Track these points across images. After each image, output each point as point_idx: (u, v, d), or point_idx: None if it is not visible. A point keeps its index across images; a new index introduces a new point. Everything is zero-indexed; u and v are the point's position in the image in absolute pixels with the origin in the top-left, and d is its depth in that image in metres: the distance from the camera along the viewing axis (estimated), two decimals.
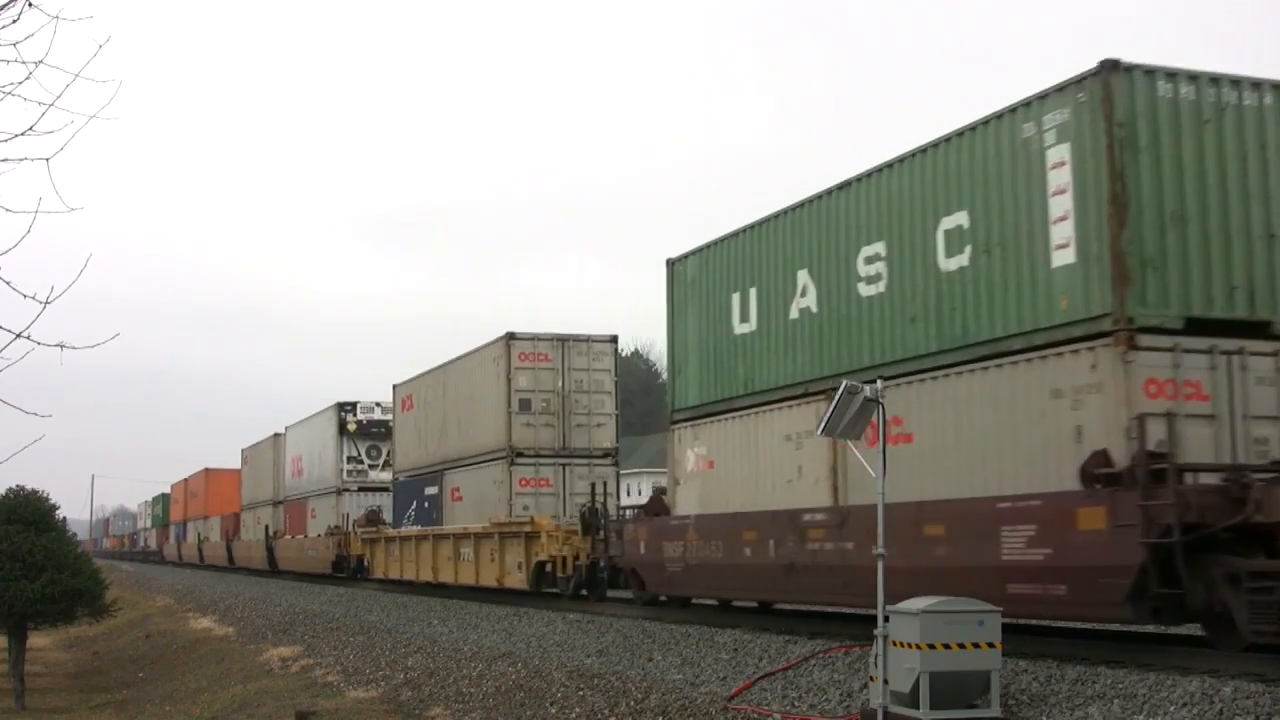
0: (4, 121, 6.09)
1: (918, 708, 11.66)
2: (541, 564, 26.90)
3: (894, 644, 12.04)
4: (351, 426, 45.55)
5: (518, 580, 27.85)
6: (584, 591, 25.76)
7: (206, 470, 73.96)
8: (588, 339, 29.71)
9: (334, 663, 23.29)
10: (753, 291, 19.79)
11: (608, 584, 24.73)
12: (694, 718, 13.95)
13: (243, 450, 64.15)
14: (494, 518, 28.90)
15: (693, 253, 21.64)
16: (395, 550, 36.86)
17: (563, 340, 29.54)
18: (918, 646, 11.70)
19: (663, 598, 22.35)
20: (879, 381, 13.00)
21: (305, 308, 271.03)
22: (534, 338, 29.43)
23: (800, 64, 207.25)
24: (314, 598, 37.65)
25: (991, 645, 11.88)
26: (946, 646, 11.73)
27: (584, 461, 29.38)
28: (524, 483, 29.05)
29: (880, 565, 12.46)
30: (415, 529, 35.21)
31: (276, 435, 56.01)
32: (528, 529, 27.25)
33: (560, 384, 29.36)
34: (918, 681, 11.68)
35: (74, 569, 28.96)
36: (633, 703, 14.99)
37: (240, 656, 27.21)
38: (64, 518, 33.22)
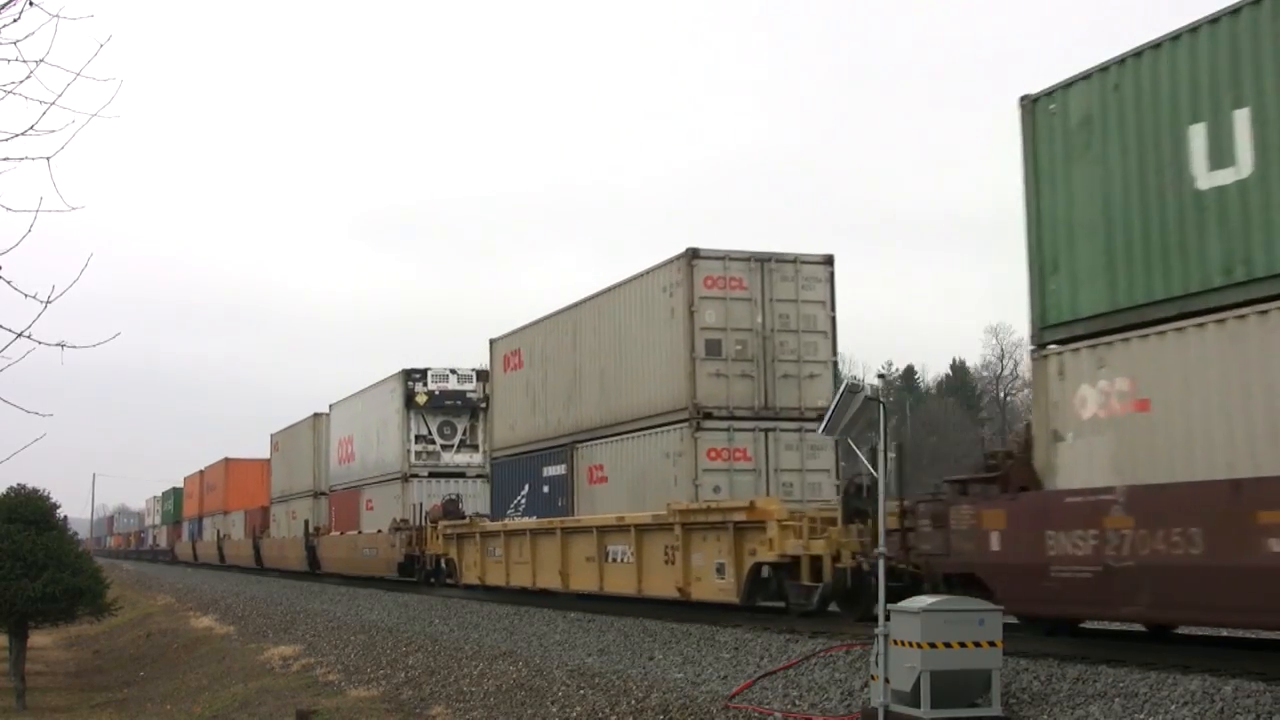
0: (5, 121, 5.87)
1: (919, 706, 11.45)
2: (758, 566, 19.04)
3: (895, 643, 11.85)
4: (421, 399, 37.46)
5: (717, 589, 19.88)
6: (833, 607, 17.94)
7: (227, 460, 65.91)
8: (795, 259, 21.72)
9: (335, 661, 23.05)
10: (1239, 115, 11.94)
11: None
12: (695, 717, 13.70)
13: (272, 435, 56.33)
14: (674, 503, 20.96)
15: (1081, 78, 13.82)
16: (497, 549, 28.79)
17: (762, 261, 21.56)
18: (919, 645, 11.53)
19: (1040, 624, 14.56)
20: (877, 379, 12.83)
21: (305, 307, 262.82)
22: (724, 256, 21.42)
23: (803, 63, 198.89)
24: (315, 597, 36.60)
25: (992, 644, 11.71)
26: (947, 645, 11.56)
27: (792, 426, 21.42)
28: (713, 454, 21.12)
29: (880, 564, 12.47)
30: (530, 521, 27.19)
31: (317, 415, 48.09)
32: (739, 517, 19.29)
33: (760, 320, 21.44)
34: (919, 680, 11.49)
35: (75, 568, 28.80)
36: (633, 701, 14.71)
37: (241, 655, 26.88)
38: (65, 517, 32.87)
